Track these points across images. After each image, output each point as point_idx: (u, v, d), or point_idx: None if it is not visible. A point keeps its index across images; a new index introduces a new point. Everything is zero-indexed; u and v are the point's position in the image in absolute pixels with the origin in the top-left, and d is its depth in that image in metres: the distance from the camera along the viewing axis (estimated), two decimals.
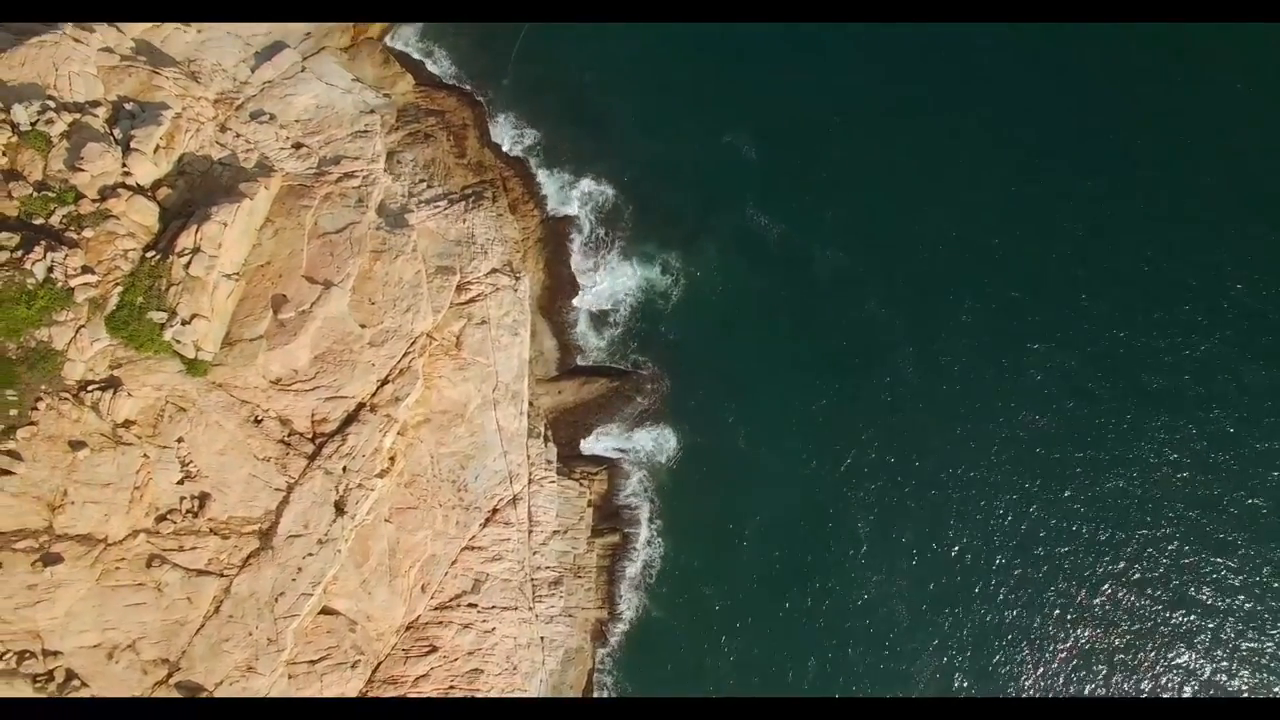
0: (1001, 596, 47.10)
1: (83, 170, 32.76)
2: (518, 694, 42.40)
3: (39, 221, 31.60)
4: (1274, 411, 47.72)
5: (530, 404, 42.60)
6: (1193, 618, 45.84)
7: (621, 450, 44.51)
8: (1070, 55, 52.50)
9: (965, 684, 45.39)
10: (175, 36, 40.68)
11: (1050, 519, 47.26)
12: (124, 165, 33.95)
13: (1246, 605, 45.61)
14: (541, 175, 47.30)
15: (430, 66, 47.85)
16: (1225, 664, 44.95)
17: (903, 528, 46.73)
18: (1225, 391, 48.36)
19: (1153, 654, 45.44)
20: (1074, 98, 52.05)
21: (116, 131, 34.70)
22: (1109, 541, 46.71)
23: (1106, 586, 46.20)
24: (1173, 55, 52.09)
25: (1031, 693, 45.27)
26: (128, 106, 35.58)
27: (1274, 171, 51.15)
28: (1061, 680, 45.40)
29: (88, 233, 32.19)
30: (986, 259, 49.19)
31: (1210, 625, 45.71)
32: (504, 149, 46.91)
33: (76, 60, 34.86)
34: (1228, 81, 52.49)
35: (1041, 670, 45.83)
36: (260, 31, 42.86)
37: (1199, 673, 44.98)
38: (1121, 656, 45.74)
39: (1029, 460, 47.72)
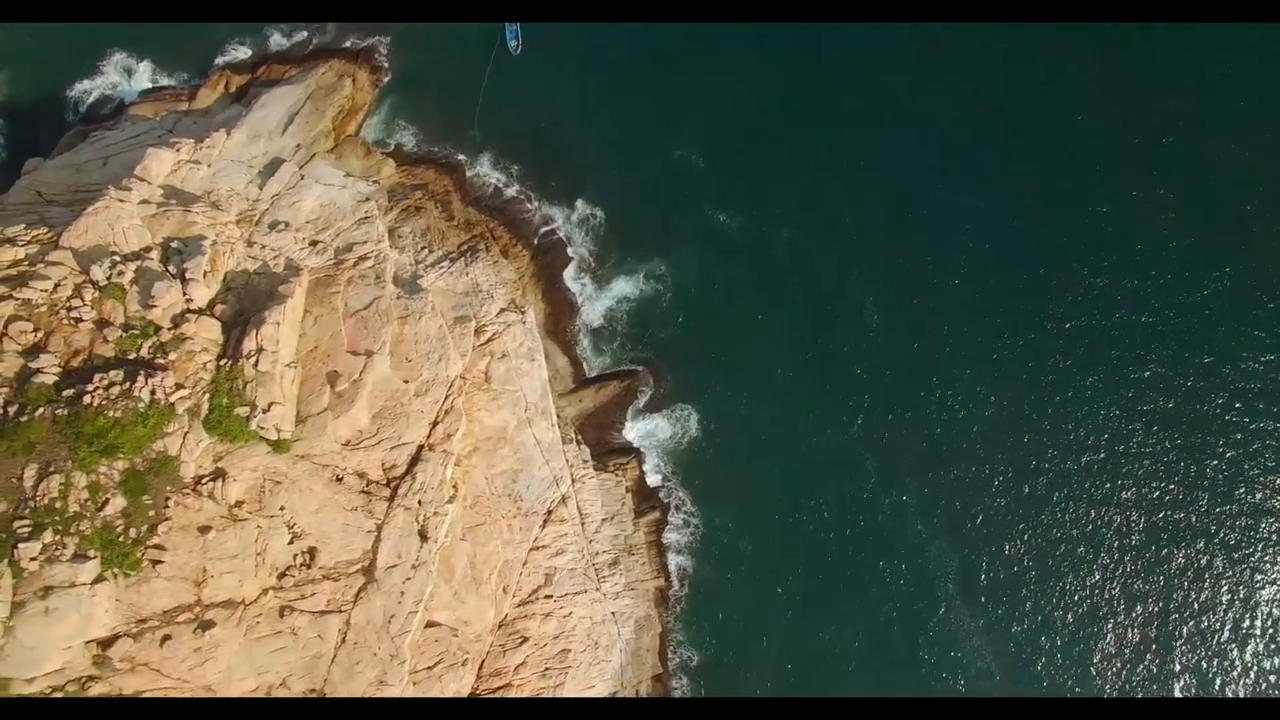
0: (1004, 502, 53.86)
1: (155, 306, 39.21)
2: (602, 665, 48.96)
3: (133, 356, 38.03)
4: None
5: (558, 415, 49.16)
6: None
7: (644, 438, 51.16)
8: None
9: (979, 580, 51.92)
10: (190, 174, 47.21)
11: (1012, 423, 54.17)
12: (185, 294, 40.40)
13: None
14: (522, 218, 53.80)
15: (406, 146, 54.29)
16: None
17: (902, 457, 53.50)
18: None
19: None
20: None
21: (171, 267, 41.16)
22: (1102, 463, 53.33)
23: (1105, 510, 52.76)
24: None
25: (1051, 607, 51.59)
26: (174, 245, 42.07)
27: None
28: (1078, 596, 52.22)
29: (172, 356, 38.66)
30: (922, 217, 55.87)
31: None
32: (485, 203, 53.42)
33: (125, 217, 41.33)
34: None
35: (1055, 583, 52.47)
36: (258, 153, 49.39)
37: None
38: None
39: (990, 373, 54.65)
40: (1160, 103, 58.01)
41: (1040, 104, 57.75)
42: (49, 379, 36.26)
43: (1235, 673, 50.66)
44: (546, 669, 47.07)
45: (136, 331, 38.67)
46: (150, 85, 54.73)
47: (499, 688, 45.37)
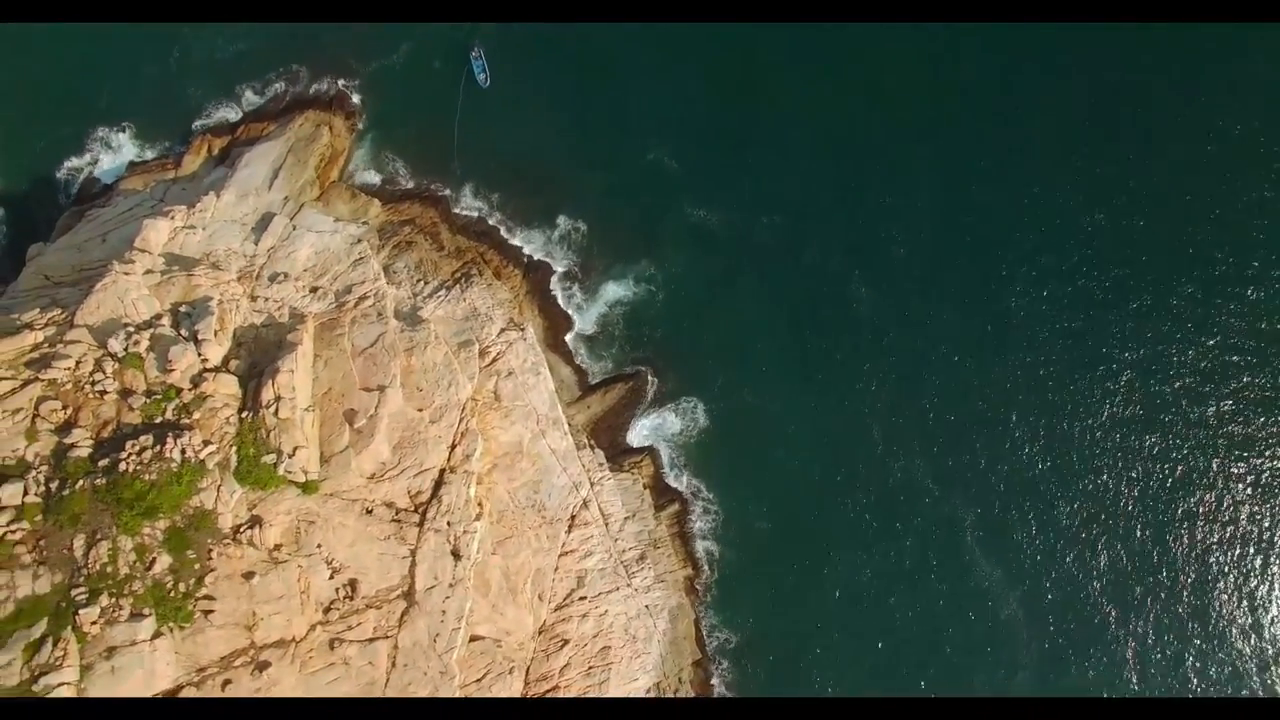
0: (1006, 447, 55.81)
1: (173, 369, 40.92)
2: (643, 658, 50.74)
3: (159, 420, 39.74)
4: None
5: (569, 424, 50.92)
6: None
7: (655, 434, 53.05)
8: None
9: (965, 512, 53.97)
10: (187, 239, 48.92)
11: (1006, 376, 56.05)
12: (199, 355, 42.13)
13: None
14: (509, 239, 55.56)
15: (389, 185, 55.97)
16: None
17: (905, 420, 55.58)
18: None
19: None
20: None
21: (183, 331, 42.88)
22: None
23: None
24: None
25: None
26: (182, 309, 43.80)
27: None
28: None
29: (196, 415, 40.38)
30: (894, 189, 58.05)
31: None
32: (473, 229, 55.13)
33: (132, 289, 43.04)
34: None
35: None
36: (249, 211, 51.11)
37: None
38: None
39: (981, 328, 56.55)
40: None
41: (983, 80, 59.70)
42: (84, 452, 37.97)
43: None
44: (590, 668, 48.86)
45: (159, 396, 40.38)
46: (135, 158, 56.23)
47: (546, 691, 47.17)
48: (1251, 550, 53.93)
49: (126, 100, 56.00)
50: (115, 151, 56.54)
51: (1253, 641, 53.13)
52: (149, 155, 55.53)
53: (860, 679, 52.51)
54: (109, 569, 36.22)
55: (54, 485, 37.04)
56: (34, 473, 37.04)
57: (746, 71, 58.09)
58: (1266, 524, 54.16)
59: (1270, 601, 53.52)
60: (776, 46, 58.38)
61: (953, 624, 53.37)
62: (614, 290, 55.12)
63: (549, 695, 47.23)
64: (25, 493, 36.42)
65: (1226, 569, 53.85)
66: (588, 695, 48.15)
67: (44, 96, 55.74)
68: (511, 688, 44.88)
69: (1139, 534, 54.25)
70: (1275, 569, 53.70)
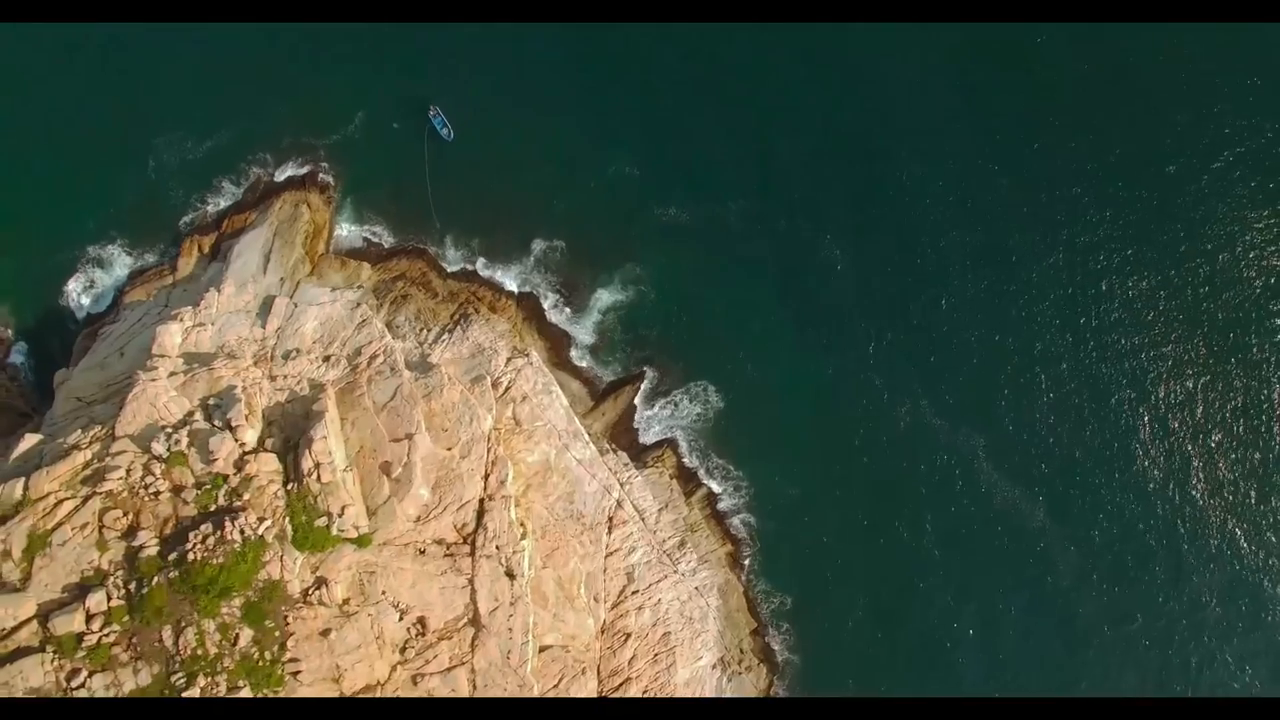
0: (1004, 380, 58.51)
1: (216, 459, 43.72)
2: (703, 637, 53.44)
3: (213, 508, 42.58)
4: None
5: (589, 433, 53.68)
6: None
7: (671, 424, 55.81)
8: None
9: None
10: (199, 336, 51.57)
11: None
12: (237, 440, 44.97)
13: None
14: (496, 274, 58.15)
15: (374, 246, 58.55)
16: None
17: (903, 367, 58.60)
18: None
19: None
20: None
21: (216, 421, 45.67)
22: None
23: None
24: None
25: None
26: (211, 402, 46.61)
27: None
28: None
29: (246, 496, 43.19)
30: (846, 156, 60.96)
31: None
32: (461, 272, 57.76)
33: (162, 393, 45.83)
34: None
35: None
36: (250, 298, 53.86)
37: None
38: None
39: (958, 272, 59.47)
40: None
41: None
42: (152, 551, 40.84)
43: None
44: (655, 655, 51.64)
45: (209, 485, 43.21)
46: (131, 269, 58.66)
47: (620, 684, 49.94)
48: None
49: (112, 216, 58.13)
50: (110, 267, 58.91)
51: None
52: (148, 260, 57.47)
53: (921, 614, 55.78)
54: (199, 651, 39.09)
55: (132, 586, 39.92)
56: (112, 579, 39.97)
57: (687, 72, 60.75)
58: None
59: None
60: (713, 43, 60.88)
61: (985, 544, 56.16)
62: (604, 298, 57.80)
63: (622, 688, 50.01)
64: (109, 599, 39.38)
65: (1242, 460, 57.14)
66: (658, 681, 50.92)
67: (32, 228, 57.42)
68: (587, 687, 47.66)
69: (1124, 406, 57.83)
70: None
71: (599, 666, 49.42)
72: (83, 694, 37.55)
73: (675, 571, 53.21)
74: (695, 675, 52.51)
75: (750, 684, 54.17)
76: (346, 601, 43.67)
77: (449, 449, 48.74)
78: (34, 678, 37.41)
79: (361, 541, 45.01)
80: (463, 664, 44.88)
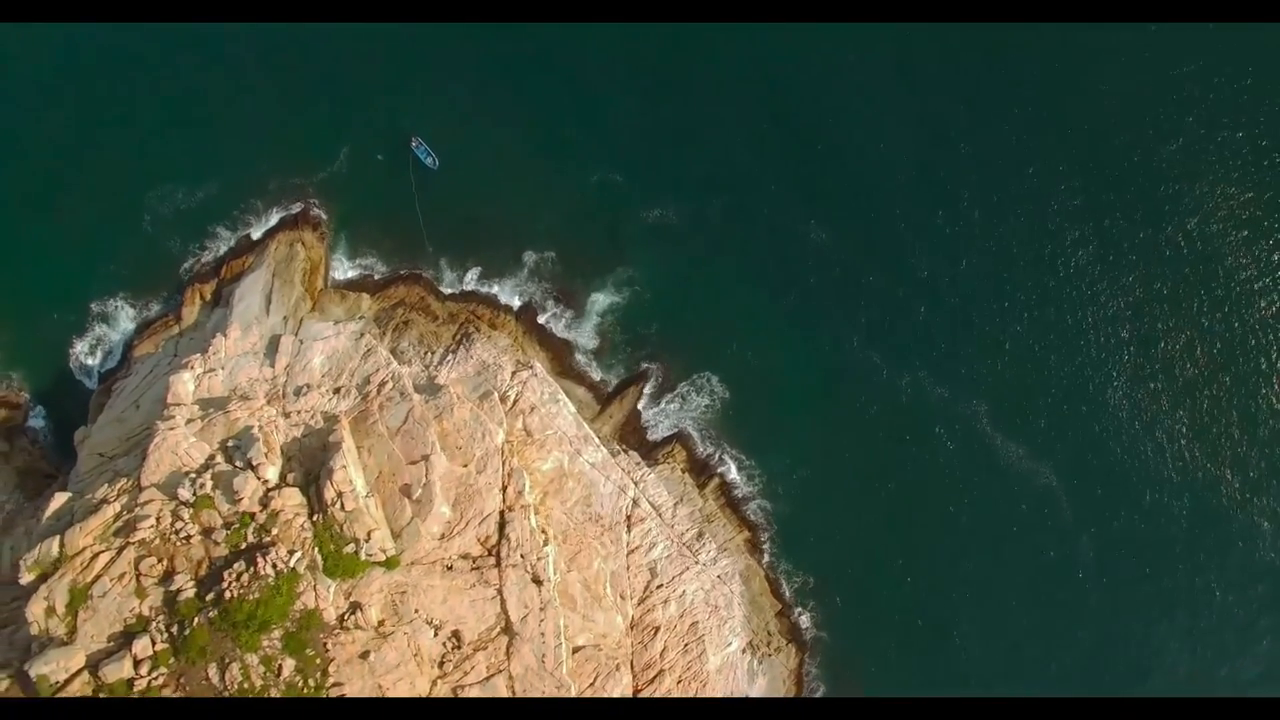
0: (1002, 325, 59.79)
1: (241, 498, 45.08)
2: (730, 623, 54.70)
3: (244, 546, 43.96)
4: None
5: (598, 437, 54.96)
6: None
7: (679, 419, 57.05)
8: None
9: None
10: (211, 381, 52.84)
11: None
12: (259, 478, 46.30)
13: None
14: (492, 291, 59.40)
15: (371, 277, 59.84)
16: None
17: (899, 341, 60.10)
18: None
19: None
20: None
21: (237, 462, 47.02)
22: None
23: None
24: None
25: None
26: (230, 443, 47.93)
27: None
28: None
29: (274, 531, 44.51)
30: (821, 143, 62.33)
31: None
32: (458, 294, 59.03)
33: (182, 440, 47.14)
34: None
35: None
36: (256, 339, 55.14)
37: None
38: None
39: (951, 243, 60.63)
40: None
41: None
42: (190, 593, 42.15)
43: None
44: (686, 645, 52.92)
45: (237, 525, 44.53)
46: (133, 323, 59.93)
47: (654, 677, 51.22)
48: None
49: (112, 272, 59.19)
50: (116, 323, 60.10)
51: None
52: (152, 311, 58.54)
53: (942, 577, 57.58)
54: (245, 685, 40.43)
55: (175, 629, 41.26)
56: (154, 624, 41.30)
57: (660, 77, 61.99)
58: None
59: None
60: (683, 47, 62.09)
61: (998, 505, 57.51)
62: (600, 302, 59.07)
63: (656, 680, 51.29)
64: (153, 643, 40.73)
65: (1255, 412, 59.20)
66: (690, 670, 52.21)
67: (37, 291, 58.52)
68: (622, 683, 48.96)
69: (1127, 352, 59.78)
70: None
71: (632, 661, 50.71)
72: None
73: (696, 562, 54.48)
74: (726, 661, 53.81)
75: (781, 664, 55.51)
76: (382, 623, 44.98)
77: (465, 465, 50.02)
78: None
79: (390, 563, 46.31)
80: (500, 672, 46.18)
